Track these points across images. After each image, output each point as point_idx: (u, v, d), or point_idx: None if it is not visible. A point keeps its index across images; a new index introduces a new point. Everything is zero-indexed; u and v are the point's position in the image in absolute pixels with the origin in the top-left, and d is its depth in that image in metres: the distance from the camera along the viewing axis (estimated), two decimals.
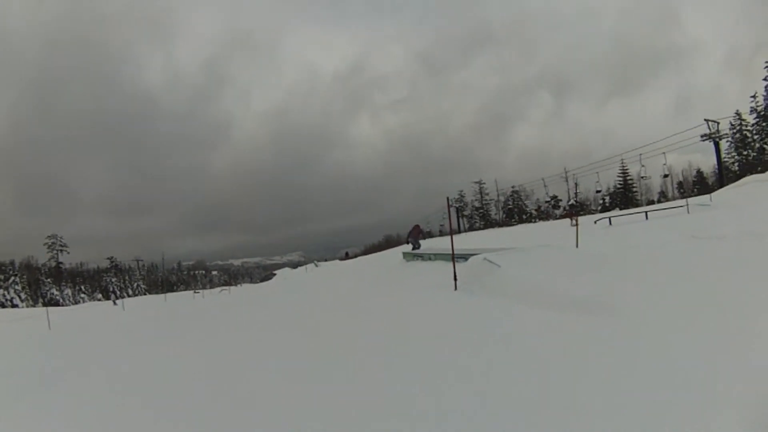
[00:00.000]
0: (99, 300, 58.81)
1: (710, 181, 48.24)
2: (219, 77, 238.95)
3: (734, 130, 40.22)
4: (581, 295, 6.20)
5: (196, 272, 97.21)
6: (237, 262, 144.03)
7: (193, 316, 13.84)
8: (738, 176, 36.03)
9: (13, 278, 57.92)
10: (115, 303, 37.45)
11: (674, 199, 44.00)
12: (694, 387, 3.21)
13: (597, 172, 44.41)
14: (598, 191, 48.20)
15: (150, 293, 65.04)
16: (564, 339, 4.83)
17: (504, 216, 58.29)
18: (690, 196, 36.58)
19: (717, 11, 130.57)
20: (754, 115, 39.47)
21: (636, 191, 50.65)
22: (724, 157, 38.27)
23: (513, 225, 50.22)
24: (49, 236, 66.38)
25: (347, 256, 70.37)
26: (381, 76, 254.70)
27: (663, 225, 15.29)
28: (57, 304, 55.88)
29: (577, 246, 10.45)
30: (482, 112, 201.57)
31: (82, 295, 65.49)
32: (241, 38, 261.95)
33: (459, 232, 54.57)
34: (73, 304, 56.27)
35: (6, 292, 55.98)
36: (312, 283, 24.25)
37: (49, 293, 60.66)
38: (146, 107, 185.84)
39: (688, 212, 18.26)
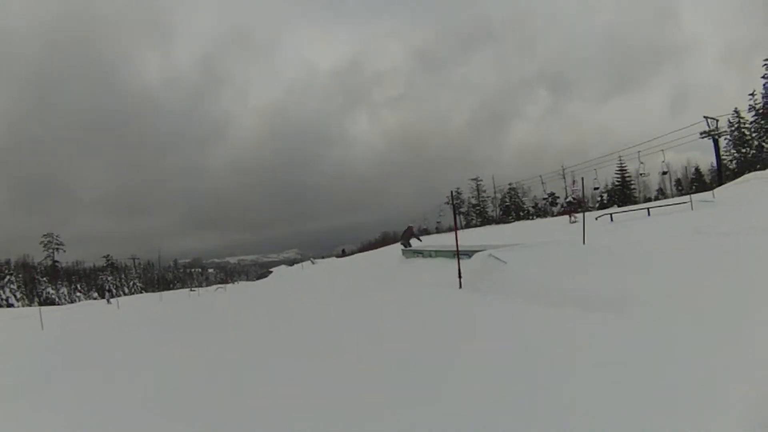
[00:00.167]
0: (95, 299, 58.37)
1: (707, 178, 48.23)
2: (216, 76, 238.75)
3: (732, 128, 40.15)
4: (594, 293, 5.96)
5: (193, 270, 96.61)
6: (233, 260, 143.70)
7: (188, 315, 13.55)
8: (736, 174, 35.93)
9: (8, 277, 57.37)
10: (108, 302, 36.99)
11: (673, 196, 43.93)
12: (709, 387, 3.05)
13: (595, 169, 44.23)
14: (596, 188, 48.05)
15: (146, 291, 64.74)
16: (581, 339, 4.55)
17: (501, 213, 58.10)
18: (688, 194, 36.50)
19: (715, 9, 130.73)
20: (753, 113, 39.37)
21: (634, 188, 50.56)
22: (722, 155, 38.19)
23: (510, 222, 50.06)
24: (45, 235, 65.76)
25: (344, 254, 70.13)
26: (379, 74, 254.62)
27: (668, 221, 15.06)
28: (53, 303, 55.43)
29: (584, 242, 10.20)
30: (480, 110, 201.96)
31: (78, 294, 64.99)
32: (239, 36, 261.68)
33: (456, 229, 54.31)
34: (69, 302, 55.90)
35: (1, 292, 55.45)
36: (309, 280, 24.02)
37: (44, 292, 60.12)
38: (144, 106, 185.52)
39: (692, 209, 18.05)
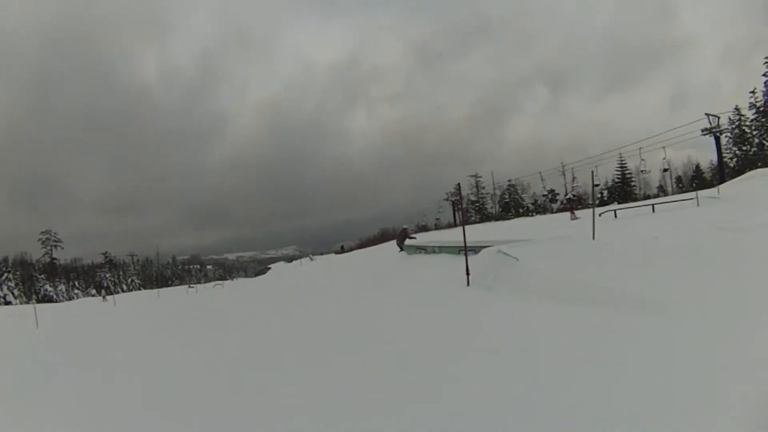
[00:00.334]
0: (93, 296, 57.92)
1: (708, 176, 48.02)
2: (214, 72, 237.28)
3: (733, 126, 39.95)
4: (620, 292, 5.61)
5: (191, 267, 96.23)
6: (232, 257, 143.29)
7: (185, 313, 13.22)
8: (736, 171, 35.75)
9: (6, 275, 56.92)
10: (104, 299, 36.58)
11: (673, 193, 43.67)
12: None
13: (596, 166, 43.85)
14: (596, 185, 47.63)
15: (144, 288, 64.33)
16: (618, 344, 4.20)
17: (500, 210, 57.79)
18: (688, 191, 36.19)
19: (714, 6, 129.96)
20: (754, 110, 39.16)
21: (634, 185, 50.27)
22: (723, 152, 38.02)
23: (509, 219, 49.75)
24: (43, 232, 65.28)
25: (342, 250, 69.76)
26: (377, 69, 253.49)
27: (676, 217, 14.74)
28: (51, 300, 55.06)
29: (593, 237, 9.88)
30: (479, 105, 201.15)
31: (76, 291, 64.55)
32: (236, 33, 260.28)
33: (455, 225, 54.11)
34: (67, 300, 55.42)
35: None
36: (308, 278, 23.66)
37: (42, 289, 59.70)
38: (142, 104, 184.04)
39: (698, 205, 17.77)
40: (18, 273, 59.80)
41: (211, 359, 5.91)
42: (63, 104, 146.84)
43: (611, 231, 13.24)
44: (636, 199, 44.30)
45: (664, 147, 36.84)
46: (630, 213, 20.99)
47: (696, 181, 48.74)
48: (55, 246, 65.69)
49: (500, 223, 43.99)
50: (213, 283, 51.59)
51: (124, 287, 68.83)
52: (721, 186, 25.50)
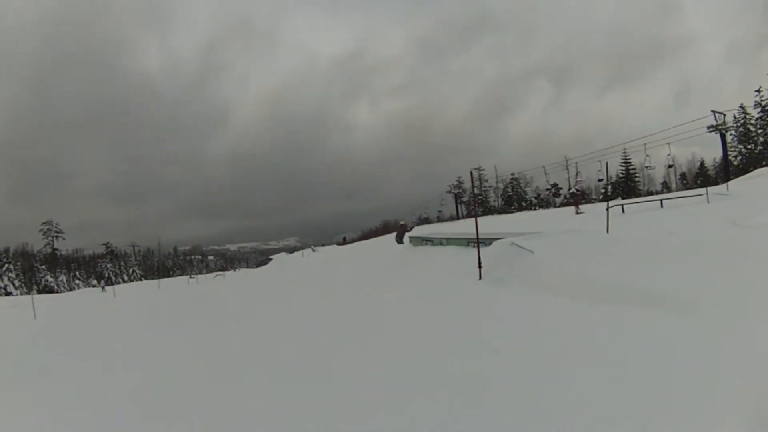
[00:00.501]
0: (94, 286, 57.88)
1: (712, 173, 47.76)
2: (217, 63, 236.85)
3: (738, 124, 39.67)
4: (642, 288, 5.29)
5: (193, 257, 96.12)
6: (233, 247, 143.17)
7: (186, 305, 12.92)
8: (740, 169, 35.50)
9: (6, 266, 56.83)
10: (103, 289, 36.29)
11: (677, 189, 43.40)
12: None
13: (599, 161, 43.40)
14: (600, 180, 47.34)
15: (146, 279, 64.23)
16: (653, 346, 3.89)
17: (503, 203, 57.45)
18: (693, 188, 35.84)
19: (716, 5, 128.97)
20: (759, 109, 38.89)
21: (638, 181, 49.93)
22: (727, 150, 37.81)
23: (512, 212, 49.44)
24: (44, 223, 64.96)
25: (345, 241, 69.40)
26: (380, 62, 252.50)
27: (687, 213, 14.46)
28: (51, 291, 55.03)
29: (607, 231, 9.62)
30: (481, 99, 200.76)
31: (77, 282, 64.49)
32: (239, 24, 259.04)
33: (457, 218, 53.86)
34: (68, 290, 55.38)
35: (0, 280, 54.96)
36: (310, 269, 23.38)
37: (43, 280, 59.66)
38: (144, 93, 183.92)
39: (708, 201, 17.47)
40: (19, 264, 59.72)
41: (210, 353, 5.74)
42: (64, 94, 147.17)
43: (622, 226, 12.93)
44: (640, 195, 43.99)
45: (668, 143, 36.45)
46: (637, 208, 20.69)
47: (700, 178, 48.45)
48: (57, 237, 65.50)
49: (503, 216, 43.68)
50: (214, 274, 51.47)
51: (125, 278, 68.75)
52: (730, 183, 25.19)
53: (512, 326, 5.11)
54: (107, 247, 71.63)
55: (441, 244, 14.08)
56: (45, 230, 64.78)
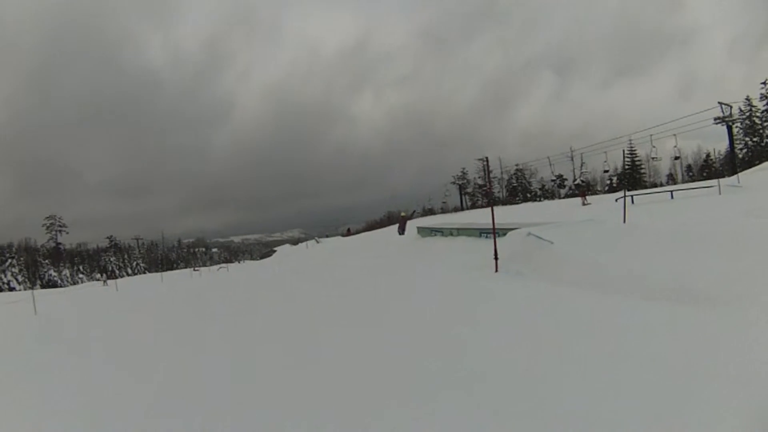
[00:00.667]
0: (97, 280, 58.02)
1: (717, 164, 47.42)
2: (220, 55, 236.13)
3: (744, 116, 39.36)
4: (673, 281, 5.03)
5: (197, 250, 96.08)
6: (237, 239, 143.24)
7: (188, 300, 12.56)
8: (745, 162, 35.25)
9: (10, 261, 56.90)
10: (105, 283, 36.09)
11: (683, 181, 43.12)
12: None
13: (605, 152, 43.11)
14: (605, 171, 46.98)
15: (150, 272, 64.26)
16: (684, 341, 3.60)
17: (507, 195, 57.09)
18: (699, 179, 35.53)
19: None
20: (765, 102, 38.52)
21: (644, 173, 49.53)
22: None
23: (517, 203, 49.15)
24: (47, 217, 65.02)
25: (349, 232, 69.09)
26: (383, 53, 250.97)
27: (701, 204, 14.22)
28: (55, 285, 55.01)
29: (624, 221, 9.39)
30: (485, 90, 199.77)
31: (81, 276, 64.52)
32: (242, 15, 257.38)
33: (462, 209, 53.61)
34: (71, 284, 55.40)
35: (3, 275, 55.05)
36: (315, 262, 23.05)
37: (47, 275, 59.70)
38: (147, 87, 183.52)
39: (720, 193, 17.24)
40: (22, 259, 59.76)
41: (210, 351, 5.51)
42: (67, 88, 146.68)
43: (637, 216, 12.72)
44: (645, 187, 43.63)
45: (675, 135, 36.11)
46: (647, 199, 20.48)
47: (706, 170, 48.07)
48: (60, 231, 65.62)
49: (508, 207, 43.38)
50: (218, 266, 51.42)
51: (129, 271, 68.83)
52: (740, 174, 24.91)
53: (547, 329, 4.60)
54: (111, 241, 71.74)
55: (451, 234, 13.74)
56: (48, 225, 64.92)
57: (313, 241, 55.35)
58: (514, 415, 2.76)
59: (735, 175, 24.64)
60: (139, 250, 76.82)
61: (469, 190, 58.92)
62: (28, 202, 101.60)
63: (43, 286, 49.08)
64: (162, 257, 78.19)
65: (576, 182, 48.66)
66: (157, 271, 56.50)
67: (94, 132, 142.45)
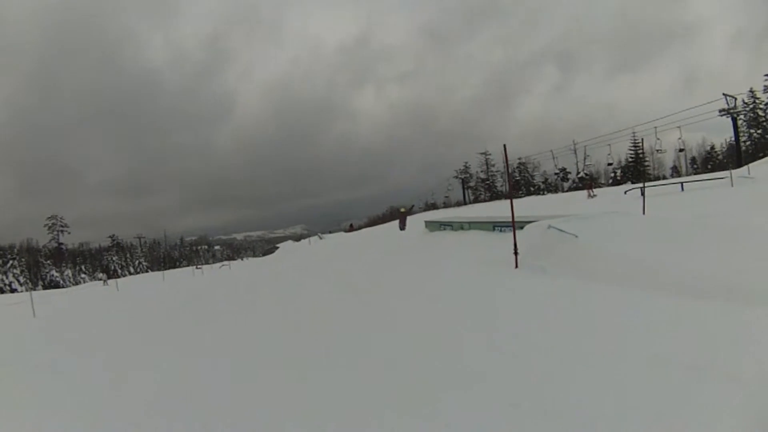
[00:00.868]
0: (99, 279, 57.81)
1: (722, 157, 47.20)
2: (221, 52, 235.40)
3: (748, 108, 39.06)
4: (714, 278, 4.64)
5: (199, 247, 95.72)
6: (240, 236, 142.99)
7: (190, 300, 12.17)
8: (749, 154, 35.04)
9: (11, 262, 56.65)
10: (105, 283, 35.82)
11: (688, 174, 42.92)
12: None
13: (609, 144, 42.79)
14: (609, 164, 46.63)
15: (152, 270, 64.08)
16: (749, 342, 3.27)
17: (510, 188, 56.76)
18: (704, 172, 35.28)
19: None
20: None
21: (648, 165, 49.17)
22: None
23: (521, 197, 48.85)
24: (49, 217, 64.67)
25: (352, 228, 68.74)
26: (385, 48, 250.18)
27: (715, 196, 13.91)
28: (57, 285, 54.81)
29: (643, 212, 9.07)
30: (487, 84, 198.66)
31: (83, 276, 64.28)
32: (243, 14, 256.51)
33: (464, 203, 53.31)
34: (73, 284, 55.20)
35: (4, 277, 54.80)
36: (318, 258, 22.70)
37: (48, 275, 59.47)
38: (149, 85, 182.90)
39: (732, 185, 16.92)
40: (24, 260, 59.51)
41: (210, 350, 5.40)
42: (68, 87, 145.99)
43: (652, 208, 12.41)
44: (649, 179, 43.33)
45: (680, 127, 35.80)
46: (656, 191, 20.14)
47: (711, 162, 47.79)
48: (62, 231, 65.31)
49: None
50: (220, 264, 51.21)
51: (132, 270, 68.61)
52: (751, 165, 24.60)
53: (586, 334, 4.11)
54: (113, 240, 71.51)
55: (462, 228, 13.26)
56: (50, 225, 64.60)
57: (315, 237, 55.08)
58: None
59: (745, 167, 24.29)
60: (142, 249, 76.55)
61: (472, 184, 58.50)
62: (29, 203, 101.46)
63: (45, 287, 48.86)
64: (164, 256, 77.96)
65: (580, 175, 48.35)
66: (159, 270, 56.33)
67: (95, 131, 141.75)
